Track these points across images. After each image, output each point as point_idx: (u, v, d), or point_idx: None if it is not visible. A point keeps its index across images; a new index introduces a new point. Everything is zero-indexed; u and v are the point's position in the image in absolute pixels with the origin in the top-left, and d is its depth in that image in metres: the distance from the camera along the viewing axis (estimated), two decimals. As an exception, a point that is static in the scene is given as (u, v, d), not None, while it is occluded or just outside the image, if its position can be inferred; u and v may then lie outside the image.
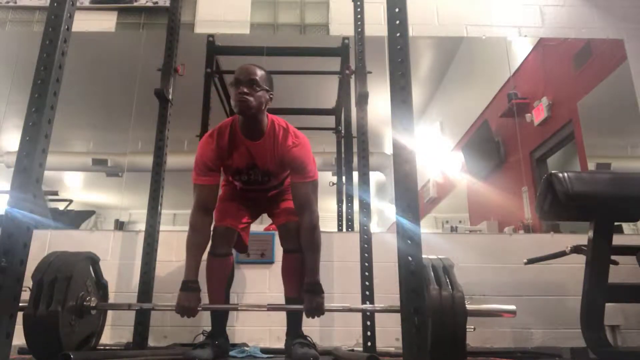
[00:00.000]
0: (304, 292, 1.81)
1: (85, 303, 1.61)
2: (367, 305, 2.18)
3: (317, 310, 1.76)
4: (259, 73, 1.77)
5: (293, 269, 1.96)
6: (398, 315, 1.12)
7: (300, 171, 1.82)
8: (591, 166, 3.13)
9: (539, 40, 3.46)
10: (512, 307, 1.58)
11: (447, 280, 1.49)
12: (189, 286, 1.75)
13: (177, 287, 2.59)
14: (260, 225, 2.81)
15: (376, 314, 2.20)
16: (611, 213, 1.80)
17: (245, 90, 1.72)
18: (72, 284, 1.52)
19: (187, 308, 1.74)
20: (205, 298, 1.88)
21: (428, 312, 1.14)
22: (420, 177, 1.23)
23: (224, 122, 1.88)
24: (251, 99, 1.72)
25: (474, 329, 1.62)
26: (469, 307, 1.43)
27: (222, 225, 1.93)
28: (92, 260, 1.76)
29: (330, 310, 1.85)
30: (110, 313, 2.56)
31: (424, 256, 1.17)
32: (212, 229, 1.94)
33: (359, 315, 2.22)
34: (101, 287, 1.83)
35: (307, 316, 1.81)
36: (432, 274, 1.47)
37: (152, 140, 2.50)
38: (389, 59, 1.31)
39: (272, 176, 1.94)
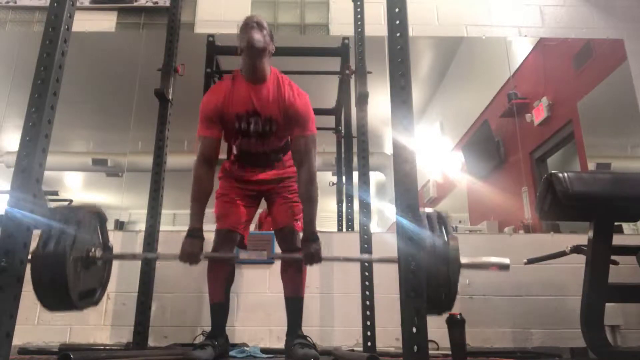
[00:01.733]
0: (302, 240, 1.84)
1: (90, 254, 1.62)
2: (364, 256, 2.22)
3: (315, 256, 1.78)
4: (264, 21, 1.89)
5: (291, 269, 1.97)
6: (398, 315, 1.12)
7: (302, 124, 1.87)
8: (591, 166, 3.13)
9: (539, 40, 3.46)
10: (506, 260, 1.59)
11: (443, 231, 1.50)
12: (193, 234, 1.78)
13: (177, 287, 2.62)
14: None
15: (376, 315, 2.20)
16: (611, 213, 1.80)
17: (255, 27, 1.83)
18: (79, 233, 1.55)
19: (190, 253, 1.75)
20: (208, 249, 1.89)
21: (422, 261, 1.15)
22: (420, 177, 1.22)
23: (227, 75, 1.97)
24: (259, 35, 1.82)
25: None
26: (463, 259, 1.46)
27: (224, 228, 1.93)
28: (100, 217, 1.76)
29: (327, 260, 1.88)
30: (110, 313, 2.57)
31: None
32: (214, 230, 1.94)
33: (359, 315, 2.22)
34: (106, 243, 1.80)
35: (306, 263, 1.82)
36: (427, 223, 1.48)
37: (152, 140, 2.50)
38: (389, 59, 1.31)
39: (274, 126, 1.89)
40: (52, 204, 3.15)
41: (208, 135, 1.87)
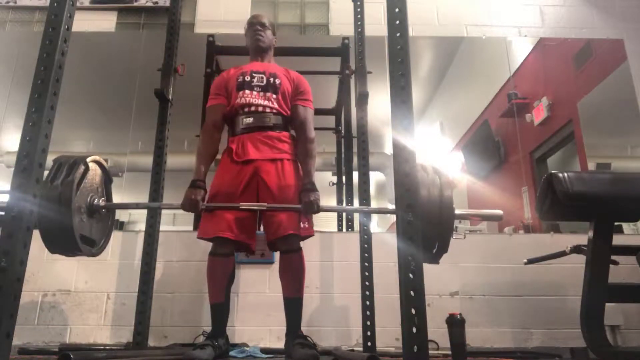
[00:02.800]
0: (301, 191, 1.89)
1: (95, 202, 1.67)
2: (363, 207, 2.30)
3: (313, 205, 1.83)
4: (267, 20, 2.20)
5: (290, 269, 1.96)
6: (398, 315, 1.12)
7: (303, 94, 2.09)
8: (591, 166, 3.13)
9: (539, 40, 3.45)
10: (499, 211, 1.62)
11: (438, 182, 1.53)
12: (196, 184, 1.88)
13: (177, 287, 2.63)
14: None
15: (376, 315, 2.20)
16: (611, 213, 1.80)
17: (260, 28, 2.15)
18: (86, 177, 1.60)
19: (192, 200, 1.83)
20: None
21: (418, 211, 1.17)
22: (420, 177, 1.22)
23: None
24: (264, 35, 2.15)
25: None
26: (457, 210, 1.50)
27: (219, 236, 1.88)
28: (106, 176, 1.81)
29: (325, 210, 1.88)
30: (110, 313, 2.57)
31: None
32: (211, 237, 1.92)
33: (359, 315, 2.22)
34: (109, 197, 1.85)
35: (305, 213, 1.86)
36: (423, 175, 1.50)
37: (152, 140, 2.51)
38: (389, 59, 1.31)
39: (277, 80, 2.06)
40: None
41: (214, 103, 2.07)
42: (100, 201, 1.70)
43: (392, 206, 1.24)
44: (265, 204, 1.87)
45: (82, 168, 1.58)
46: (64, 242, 1.54)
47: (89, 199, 1.65)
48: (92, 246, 1.70)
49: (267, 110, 2.02)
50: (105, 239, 1.81)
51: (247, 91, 2.03)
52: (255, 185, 1.96)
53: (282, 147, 2.01)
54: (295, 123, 2.05)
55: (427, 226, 1.36)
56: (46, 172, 1.43)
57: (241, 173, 1.96)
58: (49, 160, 1.35)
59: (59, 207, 1.47)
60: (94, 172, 1.71)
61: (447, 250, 1.50)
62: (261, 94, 2.03)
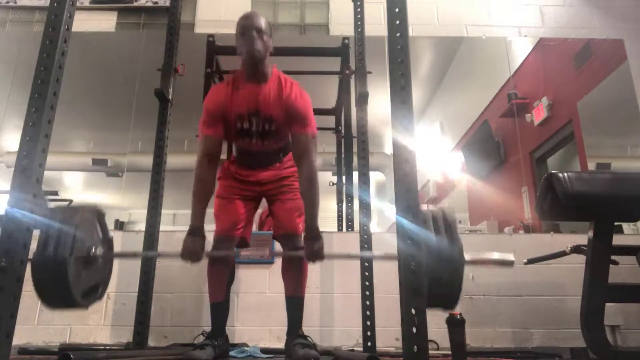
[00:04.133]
0: (305, 238, 1.83)
1: (91, 253, 1.61)
2: (365, 252, 2.23)
3: (318, 253, 1.78)
4: (263, 20, 1.86)
5: (292, 269, 1.96)
6: (398, 315, 1.12)
7: (302, 121, 1.86)
8: (591, 166, 3.13)
9: (539, 40, 3.45)
10: (510, 256, 1.55)
11: (448, 230, 1.49)
12: (195, 232, 1.79)
13: (177, 287, 2.62)
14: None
15: (376, 315, 2.20)
16: (611, 213, 1.80)
17: (255, 35, 1.80)
18: (79, 233, 1.53)
19: (192, 252, 1.76)
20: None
21: (427, 260, 1.15)
22: (420, 177, 1.22)
23: (229, 75, 1.96)
24: (260, 45, 1.80)
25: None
26: (467, 256, 1.43)
27: (222, 235, 1.93)
28: (98, 213, 1.75)
29: (329, 258, 1.89)
30: (110, 313, 2.57)
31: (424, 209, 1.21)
32: (213, 236, 1.94)
33: (359, 315, 2.22)
34: (107, 241, 1.79)
35: (308, 260, 1.82)
36: (431, 223, 1.47)
37: (152, 140, 2.50)
38: (389, 59, 1.31)
39: (274, 125, 1.89)
40: (52, 204, 3.15)
41: (211, 133, 1.86)
42: (98, 250, 1.63)
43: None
44: (267, 251, 1.90)
45: (72, 229, 1.50)
46: (65, 303, 1.50)
47: (85, 251, 1.57)
48: (94, 294, 1.67)
49: (268, 150, 1.99)
50: (105, 282, 1.75)
51: (246, 138, 1.92)
52: (259, 197, 2.05)
53: (287, 170, 2.04)
54: (296, 154, 1.89)
55: (436, 277, 1.32)
56: (36, 233, 1.36)
57: (244, 186, 2.02)
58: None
59: (55, 278, 1.41)
60: (88, 219, 1.64)
61: (458, 301, 1.43)
62: (259, 142, 1.93)
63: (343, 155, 3.16)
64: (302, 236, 1.88)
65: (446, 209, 1.56)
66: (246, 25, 1.82)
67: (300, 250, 1.88)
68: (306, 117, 1.87)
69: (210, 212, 1.93)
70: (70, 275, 1.44)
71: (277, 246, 2.05)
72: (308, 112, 1.89)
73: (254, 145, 1.94)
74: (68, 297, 1.45)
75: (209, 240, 1.90)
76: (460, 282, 1.39)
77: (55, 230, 1.47)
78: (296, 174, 1.96)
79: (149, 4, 3.45)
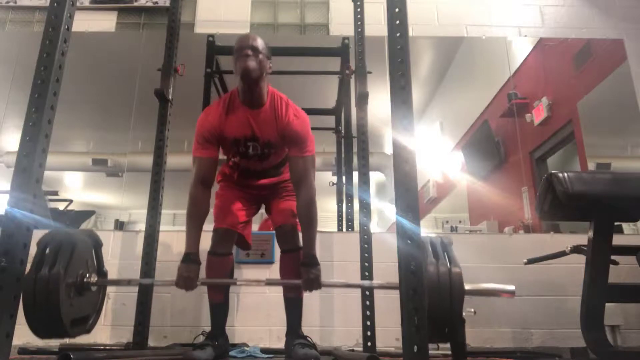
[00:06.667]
0: (301, 265, 1.80)
1: (85, 280, 1.58)
2: (365, 282, 2.20)
3: (314, 282, 1.76)
4: (260, 41, 1.82)
5: (291, 269, 1.96)
6: (398, 315, 1.12)
7: (299, 145, 1.83)
8: (591, 166, 3.13)
9: (539, 40, 3.45)
10: (511, 287, 1.55)
11: (446, 257, 1.47)
12: (190, 258, 1.75)
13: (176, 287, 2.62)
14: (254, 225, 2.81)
15: (376, 315, 2.20)
16: (611, 213, 1.80)
17: (250, 53, 1.75)
18: (74, 256, 1.51)
19: (187, 279, 1.73)
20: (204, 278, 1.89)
21: (425, 288, 1.13)
22: (420, 177, 1.22)
23: (224, 95, 1.91)
24: (254, 63, 1.75)
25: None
26: (467, 286, 1.41)
27: (221, 227, 1.94)
28: (95, 242, 1.73)
29: (327, 286, 1.87)
30: (110, 313, 2.57)
31: (422, 234, 1.18)
32: (212, 230, 1.94)
33: (359, 315, 2.22)
34: (101, 272, 1.78)
35: (305, 289, 1.79)
36: (430, 250, 1.46)
37: (152, 140, 2.50)
38: (389, 59, 1.31)
39: (273, 149, 1.89)
40: (52, 204, 3.15)
41: (205, 155, 1.83)
42: (92, 278, 1.60)
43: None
44: (264, 280, 1.92)
45: (68, 253, 1.49)
46: (54, 331, 1.46)
47: (78, 277, 1.55)
48: (84, 325, 1.65)
49: (266, 168, 2.00)
50: (96, 314, 1.72)
51: (243, 159, 1.93)
52: (259, 200, 2.06)
53: (284, 176, 2.04)
54: (294, 178, 1.86)
55: (436, 307, 1.30)
56: (31, 255, 1.33)
57: (244, 189, 2.03)
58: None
59: (46, 300, 1.38)
60: (83, 244, 1.62)
61: (458, 333, 1.43)
62: (258, 162, 1.94)
63: (343, 155, 3.16)
64: (300, 235, 1.89)
65: (444, 237, 1.56)
66: (241, 44, 1.79)
67: (297, 237, 1.91)
68: (304, 139, 1.84)
69: (209, 217, 1.94)
70: (62, 301, 1.41)
71: (277, 249, 2.04)
72: (306, 134, 1.85)
73: (252, 165, 1.96)
74: (57, 325, 1.42)
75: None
76: (460, 312, 1.38)
77: (49, 254, 1.45)
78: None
79: (149, 4, 3.45)
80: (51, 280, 1.40)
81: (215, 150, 1.85)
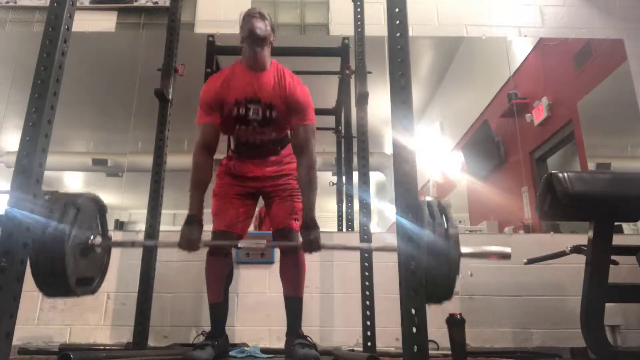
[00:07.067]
0: (302, 228, 1.82)
1: (90, 241, 1.61)
2: (364, 244, 2.23)
3: (314, 243, 1.77)
4: (266, 14, 1.94)
5: (291, 269, 1.97)
6: (398, 315, 1.12)
7: (300, 113, 1.89)
8: (591, 166, 3.13)
9: (539, 40, 3.45)
10: (507, 249, 1.55)
11: (443, 219, 1.48)
12: (192, 220, 1.78)
13: (177, 287, 2.62)
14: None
15: (376, 315, 2.20)
16: (611, 213, 1.80)
17: (258, 16, 1.87)
18: (79, 217, 1.54)
19: (190, 240, 1.75)
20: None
21: (422, 250, 1.14)
22: (420, 177, 1.22)
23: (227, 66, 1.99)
24: (262, 24, 1.86)
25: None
26: (463, 249, 1.42)
27: (219, 229, 1.93)
28: (100, 207, 1.74)
29: (327, 248, 1.88)
30: (110, 313, 2.57)
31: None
32: (211, 231, 1.94)
33: (359, 315, 2.22)
34: (106, 235, 1.78)
35: (305, 251, 1.81)
36: (427, 212, 1.46)
37: (152, 140, 2.50)
38: (389, 59, 1.31)
39: (274, 112, 1.89)
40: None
41: (208, 121, 1.87)
42: (96, 239, 1.62)
43: (393, 240, 1.20)
44: (264, 241, 1.87)
45: (73, 212, 1.51)
46: (60, 290, 1.48)
47: (83, 239, 1.58)
48: (89, 285, 1.66)
49: (265, 140, 1.98)
50: (101, 275, 1.75)
51: (243, 127, 1.92)
52: (257, 194, 2.04)
53: (286, 167, 2.03)
54: (296, 146, 1.92)
55: (433, 267, 1.31)
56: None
57: (243, 183, 2.01)
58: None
59: (52, 257, 1.40)
60: (88, 208, 1.63)
61: (453, 292, 1.40)
62: (258, 129, 1.92)
63: (343, 155, 3.16)
64: (299, 236, 1.89)
65: (441, 199, 1.56)
66: (250, 11, 1.90)
67: (297, 241, 1.89)
68: (306, 107, 1.90)
69: (207, 211, 1.93)
70: (68, 259, 1.43)
71: (277, 249, 2.05)
72: (307, 102, 1.91)
73: (252, 134, 1.94)
74: (63, 282, 1.44)
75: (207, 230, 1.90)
76: (455, 275, 1.38)
77: (56, 215, 1.47)
78: (294, 171, 1.96)
79: (149, 4, 3.45)
80: (57, 238, 1.42)
81: (217, 116, 1.89)
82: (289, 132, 2.03)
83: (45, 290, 1.48)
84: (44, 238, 1.41)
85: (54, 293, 1.53)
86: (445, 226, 1.40)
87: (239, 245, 1.79)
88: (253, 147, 1.99)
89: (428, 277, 1.21)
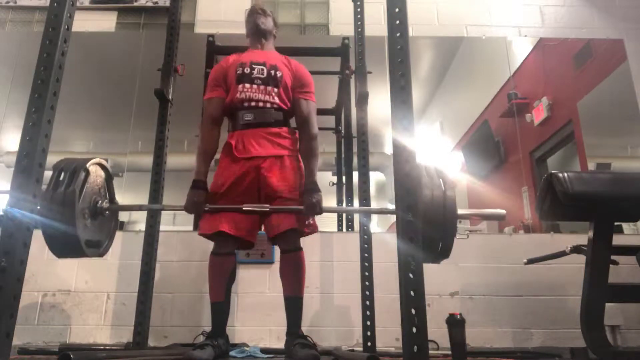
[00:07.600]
0: (304, 192, 1.87)
1: (98, 205, 1.67)
2: (363, 207, 2.31)
3: (316, 206, 1.81)
4: (268, 10, 2.15)
5: (291, 268, 1.96)
6: (398, 315, 1.12)
7: (304, 87, 2.03)
8: (591, 166, 3.13)
9: (539, 40, 3.45)
10: (502, 211, 1.60)
11: (440, 181, 1.50)
12: (198, 185, 1.87)
13: (177, 287, 2.63)
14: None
15: (376, 315, 2.20)
16: (611, 213, 1.80)
17: (261, 13, 2.10)
18: (88, 180, 1.60)
19: (195, 204, 1.83)
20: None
21: (420, 212, 1.17)
22: (420, 177, 1.22)
23: None
24: (265, 19, 2.09)
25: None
26: (460, 210, 1.47)
27: (219, 230, 1.89)
28: (107, 173, 1.79)
29: (327, 211, 1.88)
30: (110, 313, 2.58)
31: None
32: (211, 234, 1.91)
33: (359, 315, 2.22)
34: (113, 200, 1.83)
35: (306, 214, 1.84)
36: (425, 174, 1.48)
37: (152, 140, 2.50)
38: (389, 59, 1.31)
39: (279, 73, 1.99)
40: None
41: (214, 95, 2.00)
42: (104, 203, 1.69)
43: (392, 206, 1.23)
44: (267, 205, 1.85)
45: (83, 174, 1.57)
46: (70, 249, 1.54)
47: (92, 202, 1.64)
48: (98, 247, 1.72)
49: (268, 105, 1.98)
50: (110, 239, 1.82)
51: (247, 85, 1.97)
52: (256, 182, 1.96)
53: (283, 142, 1.99)
54: (298, 119, 2.01)
55: (430, 227, 1.34)
56: (47, 175, 1.42)
57: (242, 170, 1.95)
58: (50, 162, 1.34)
59: (62, 216, 1.46)
60: (96, 173, 1.69)
61: (451, 250, 1.47)
62: (262, 87, 1.98)
63: (343, 155, 3.16)
64: (299, 233, 1.89)
65: (438, 166, 1.58)
66: (253, 8, 2.12)
67: (297, 241, 1.91)
68: (309, 83, 2.05)
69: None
70: (77, 218, 1.48)
71: (277, 249, 2.02)
72: (310, 79, 2.06)
73: (256, 92, 1.97)
74: (73, 242, 1.49)
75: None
76: (452, 234, 1.42)
77: (66, 174, 1.52)
78: (292, 151, 1.98)
79: (149, 4, 3.45)
80: (67, 199, 1.47)
81: (223, 91, 2.01)
82: (291, 132, 2.01)
83: (55, 249, 1.53)
84: (53, 200, 1.45)
85: (65, 253, 1.58)
86: (443, 188, 1.43)
87: (244, 208, 1.80)
88: (255, 111, 1.97)
89: (426, 237, 1.23)
